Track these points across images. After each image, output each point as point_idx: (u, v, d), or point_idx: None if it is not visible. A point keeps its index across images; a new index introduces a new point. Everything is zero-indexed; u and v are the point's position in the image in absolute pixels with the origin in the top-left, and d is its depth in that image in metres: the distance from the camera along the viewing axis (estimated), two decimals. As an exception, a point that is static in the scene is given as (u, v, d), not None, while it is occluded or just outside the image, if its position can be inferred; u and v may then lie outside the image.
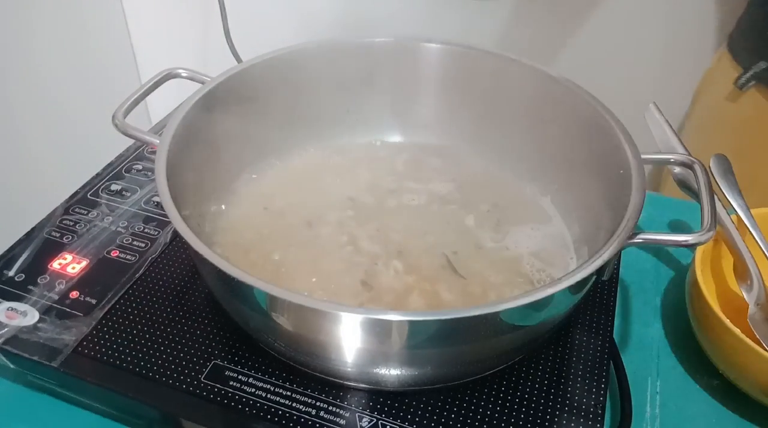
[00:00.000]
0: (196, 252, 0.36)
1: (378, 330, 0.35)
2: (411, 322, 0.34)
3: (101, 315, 0.45)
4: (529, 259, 0.48)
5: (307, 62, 0.54)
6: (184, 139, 0.45)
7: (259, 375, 0.41)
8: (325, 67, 0.55)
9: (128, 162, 0.58)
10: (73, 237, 0.50)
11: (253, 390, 0.40)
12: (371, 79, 0.56)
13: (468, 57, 0.54)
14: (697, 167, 0.42)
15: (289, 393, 0.40)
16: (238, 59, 0.77)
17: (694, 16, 0.85)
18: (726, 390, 0.47)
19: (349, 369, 0.39)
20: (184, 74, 0.49)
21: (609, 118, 0.46)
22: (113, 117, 0.44)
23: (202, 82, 0.49)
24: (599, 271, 0.36)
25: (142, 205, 0.53)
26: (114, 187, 0.55)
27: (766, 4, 0.69)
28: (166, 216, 0.51)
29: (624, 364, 0.47)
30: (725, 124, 0.70)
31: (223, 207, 0.51)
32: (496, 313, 0.34)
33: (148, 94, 0.47)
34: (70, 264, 0.48)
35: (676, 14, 0.84)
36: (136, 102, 0.46)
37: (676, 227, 0.62)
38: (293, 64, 0.53)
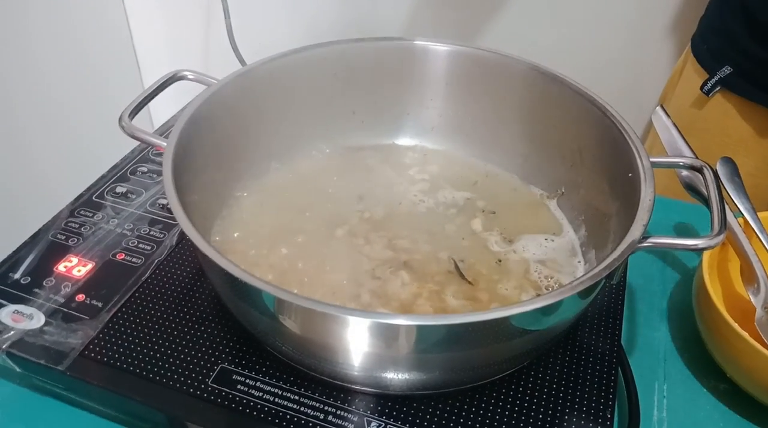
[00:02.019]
0: (204, 256, 0.36)
1: (387, 335, 0.35)
2: (419, 327, 0.34)
3: (107, 319, 0.44)
4: (536, 265, 0.48)
5: (312, 64, 0.54)
6: (191, 141, 0.45)
7: (266, 379, 0.41)
8: (329, 69, 0.55)
9: (133, 164, 0.58)
10: (78, 239, 0.50)
11: (261, 394, 0.40)
12: (377, 81, 0.56)
13: (475, 58, 0.54)
14: (706, 171, 0.42)
15: (296, 397, 0.40)
16: (242, 62, 0.76)
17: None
18: (733, 394, 0.47)
19: (357, 373, 0.39)
20: (190, 76, 0.49)
21: (618, 121, 0.46)
22: (120, 119, 0.44)
23: (209, 85, 0.49)
24: (609, 276, 0.36)
25: (148, 208, 0.53)
26: (119, 189, 0.55)
27: (722, 9, 0.69)
28: (172, 218, 0.51)
29: (631, 367, 0.47)
30: (691, 128, 0.70)
31: (230, 209, 0.51)
32: (506, 318, 0.34)
33: (154, 97, 0.47)
34: (75, 267, 0.48)
35: (685, 19, 0.85)
36: (143, 104, 0.46)
37: (683, 230, 0.62)
38: (298, 66, 0.53)
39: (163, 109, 0.63)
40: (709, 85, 0.68)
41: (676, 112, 0.73)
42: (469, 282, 0.46)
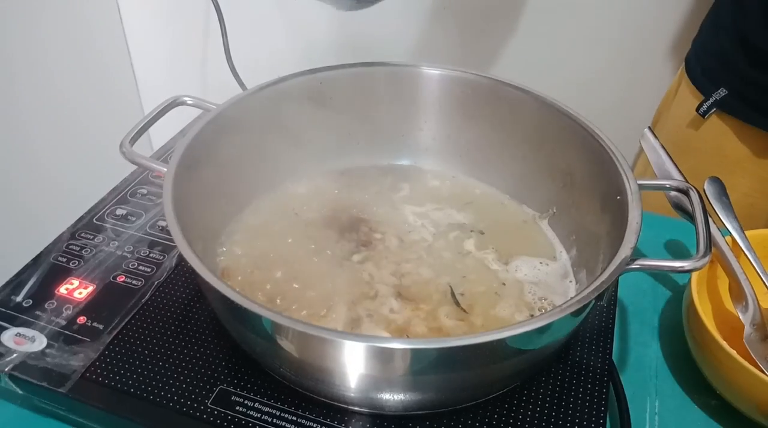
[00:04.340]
0: (203, 280, 0.37)
1: (382, 358, 0.36)
2: (414, 350, 0.35)
3: (108, 341, 0.45)
4: (530, 286, 0.49)
5: (309, 89, 0.55)
6: (190, 166, 0.46)
7: (265, 400, 0.42)
8: (326, 93, 0.56)
9: (133, 186, 0.59)
10: (79, 262, 0.51)
11: (260, 415, 0.41)
12: (372, 104, 0.57)
13: (468, 83, 0.55)
14: (692, 193, 0.43)
15: (294, 418, 0.41)
16: (242, 85, 0.78)
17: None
18: (724, 410, 0.48)
19: (353, 395, 0.40)
20: (189, 102, 0.51)
21: (606, 144, 0.47)
22: (121, 145, 0.45)
23: (208, 109, 0.50)
24: (598, 297, 0.37)
25: (147, 230, 0.54)
26: (119, 212, 0.56)
27: (716, 31, 0.69)
28: (171, 240, 0.52)
29: (623, 384, 0.47)
30: (687, 148, 0.70)
31: (230, 231, 0.52)
32: (497, 341, 0.35)
33: (154, 122, 0.49)
34: (77, 290, 0.49)
35: (674, 39, 0.86)
36: (143, 130, 0.48)
37: (673, 247, 0.63)
38: (295, 91, 0.54)
39: (160, 130, 0.64)
40: (705, 106, 0.68)
41: (671, 133, 0.73)
42: (464, 311, 0.47)
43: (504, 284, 0.49)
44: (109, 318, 0.47)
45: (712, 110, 0.68)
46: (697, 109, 0.69)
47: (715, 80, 0.68)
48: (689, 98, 0.71)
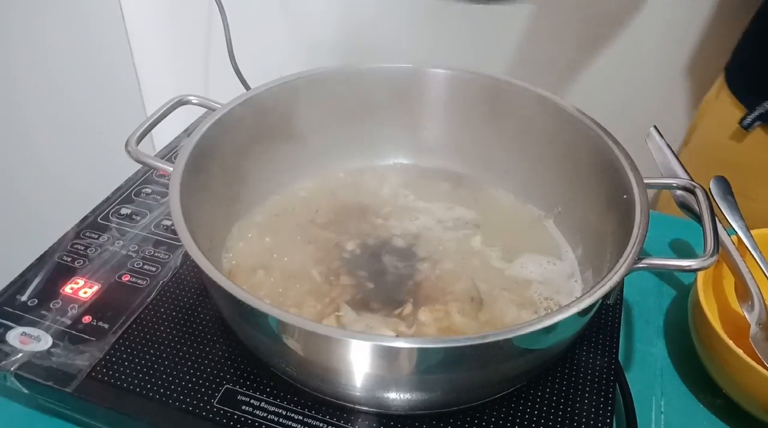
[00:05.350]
0: (209, 279, 0.37)
1: (388, 357, 0.36)
2: (420, 349, 0.35)
3: (114, 340, 0.45)
4: (536, 285, 0.49)
5: (314, 88, 0.55)
6: (196, 165, 0.46)
7: (271, 400, 0.42)
8: (330, 92, 0.56)
9: (137, 185, 0.59)
10: (84, 261, 0.51)
11: (266, 414, 0.41)
12: (376, 104, 0.57)
13: (473, 82, 0.55)
14: (698, 192, 0.43)
15: (300, 418, 0.41)
16: (245, 85, 0.78)
17: (693, 42, 0.86)
18: (729, 410, 0.48)
19: (359, 394, 0.39)
20: (194, 101, 0.50)
21: (613, 143, 0.47)
22: (126, 144, 0.45)
23: (213, 109, 0.50)
24: (605, 297, 0.37)
25: (152, 229, 0.54)
26: (124, 211, 0.56)
27: (757, 39, 0.67)
28: (176, 239, 0.52)
29: (629, 384, 0.47)
30: (726, 160, 0.67)
31: (237, 230, 0.52)
32: (507, 340, 0.35)
33: (159, 122, 0.48)
34: (82, 289, 0.49)
35: (676, 39, 0.86)
36: (148, 129, 0.47)
37: (678, 247, 0.63)
38: (300, 91, 0.54)
39: (160, 130, 0.64)
40: (749, 119, 0.65)
41: (709, 144, 0.71)
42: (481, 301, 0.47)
43: (509, 282, 0.49)
44: (115, 318, 0.47)
45: (757, 123, 0.65)
46: (740, 122, 0.66)
47: (760, 93, 0.65)
48: (730, 110, 0.69)
